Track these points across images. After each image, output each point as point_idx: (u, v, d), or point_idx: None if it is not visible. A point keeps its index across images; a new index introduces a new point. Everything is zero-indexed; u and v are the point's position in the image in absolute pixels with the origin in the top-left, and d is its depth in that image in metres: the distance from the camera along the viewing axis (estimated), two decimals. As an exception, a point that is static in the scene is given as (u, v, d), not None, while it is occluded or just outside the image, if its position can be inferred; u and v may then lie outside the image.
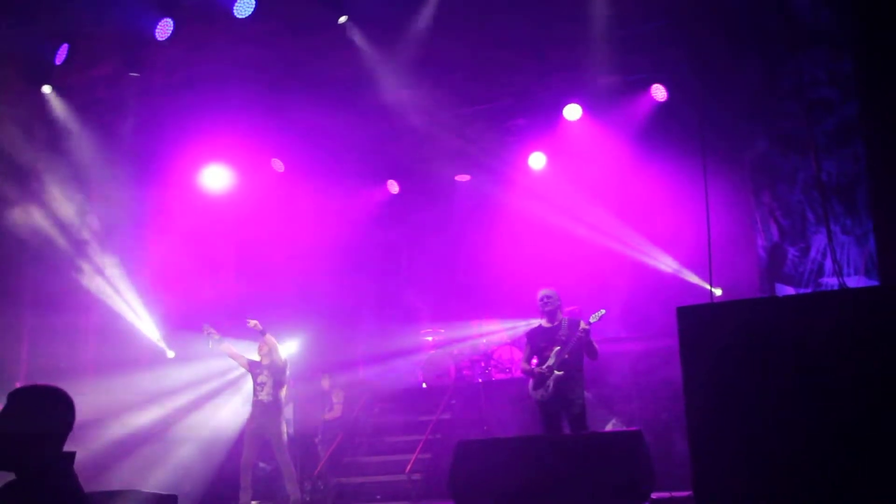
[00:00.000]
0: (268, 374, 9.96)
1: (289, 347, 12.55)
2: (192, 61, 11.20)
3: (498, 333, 12.23)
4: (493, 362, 12.04)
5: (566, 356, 8.26)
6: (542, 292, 8.56)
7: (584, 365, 8.40)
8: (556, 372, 8.22)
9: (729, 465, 5.71)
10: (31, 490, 3.27)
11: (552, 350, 8.36)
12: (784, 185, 9.23)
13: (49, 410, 3.44)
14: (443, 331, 12.79)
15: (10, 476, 3.37)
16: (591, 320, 8.21)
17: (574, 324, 8.41)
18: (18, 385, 10.37)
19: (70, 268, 11.98)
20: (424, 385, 12.10)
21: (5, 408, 3.40)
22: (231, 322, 11.01)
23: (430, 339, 12.86)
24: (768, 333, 5.74)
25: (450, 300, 13.48)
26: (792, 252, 9.24)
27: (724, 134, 9.54)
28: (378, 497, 10.80)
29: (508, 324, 12.14)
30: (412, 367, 12.79)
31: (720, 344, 5.84)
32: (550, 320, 8.54)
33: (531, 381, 8.47)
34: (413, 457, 10.75)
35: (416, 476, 10.61)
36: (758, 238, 9.59)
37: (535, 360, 8.64)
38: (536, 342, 8.61)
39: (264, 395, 9.89)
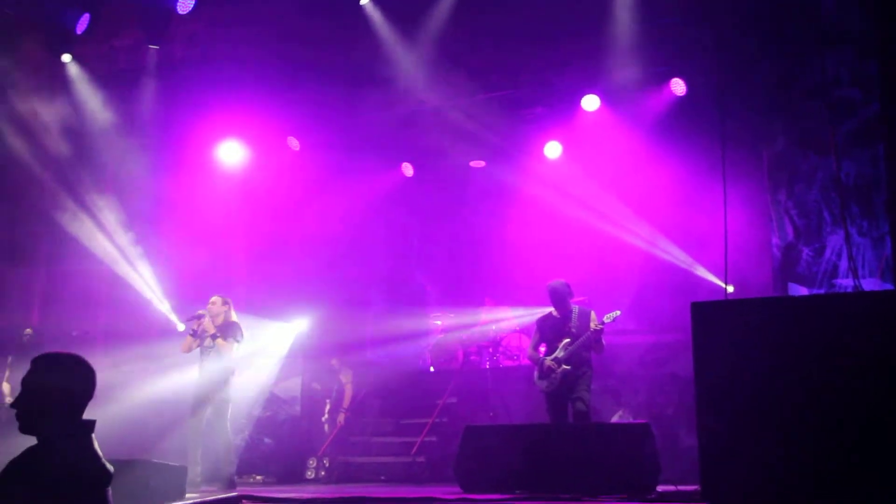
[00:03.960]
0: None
1: (298, 326, 12.64)
2: (212, 36, 11.26)
3: (507, 320, 12.24)
4: (501, 349, 12.08)
5: (575, 350, 8.28)
6: (551, 284, 8.55)
7: (592, 360, 8.42)
8: (564, 366, 8.24)
9: (737, 460, 5.74)
10: (52, 456, 3.31)
11: (561, 342, 8.38)
12: (801, 185, 9.22)
13: (71, 378, 3.48)
14: (452, 315, 12.81)
15: (32, 440, 3.42)
16: (605, 320, 8.21)
17: (585, 315, 8.41)
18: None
19: (82, 237, 12.04)
20: (432, 369, 12.16)
21: (28, 374, 3.44)
22: (238, 297, 11.08)
23: (438, 323, 12.89)
24: (782, 333, 5.76)
25: (460, 285, 13.50)
26: (806, 252, 9.24)
27: (742, 130, 9.52)
28: (383, 478, 10.87)
29: (518, 311, 12.14)
30: (420, 350, 12.84)
31: (733, 341, 5.86)
32: (560, 310, 8.55)
33: (537, 371, 8.49)
34: (419, 439, 10.82)
35: (422, 459, 10.68)
36: (772, 237, 9.59)
37: (542, 349, 8.67)
38: (546, 331, 8.62)
39: None
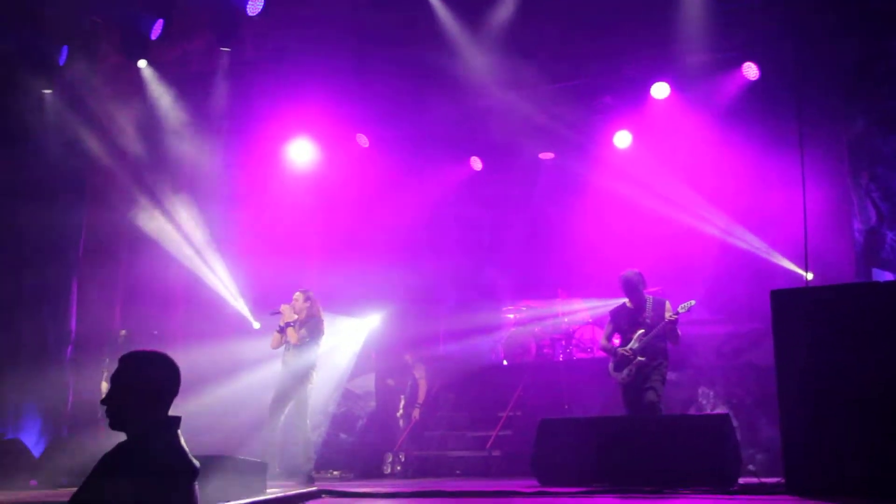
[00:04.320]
0: None
1: (371, 322, 12.74)
2: (281, 36, 11.40)
3: (580, 312, 12.15)
4: (574, 341, 11.99)
5: (650, 341, 8.17)
6: (624, 273, 8.45)
7: (667, 350, 8.30)
8: (639, 357, 8.14)
9: (821, 451, 5.61)
10: (142, 451, 3.39)
11: (635, 332, 8.28)
12: (884, 168, 8.95)
13: (157, 375, 3.57)
14: (524, 309, 12.77)
15: (122, 436, 3.51)
16: (680, 310, 8.09)
17: (659, 305, 8.30)
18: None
19: (159, 237, 12.32)
20: (505, 362, 12.13)
21: (116, 372, 3.53)
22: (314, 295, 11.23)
23: (511, 316, 12.86)
24: (867, 319, 5.61)
25: (532, 278, 13.43)
26: (891, 236, 8.97)
27: (820, 113, 9.27)
28: (458, 472, 10.90)
29: (590, 303, 12.05)
30: (493, 344, 12.82)
31: (815, 328, 5.74)
32: (634, 301, 8.44)
33: (612, 362, 8.40)
34: (494, 433, 10.81)
35: (497, 452, 10.68)
36: (854, 221, 9.33)
37: (616, 341, 8.57)
38: (620, 321, 8.53)
39: None
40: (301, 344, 9.04)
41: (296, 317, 9.17)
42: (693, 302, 8.15)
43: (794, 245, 10.00)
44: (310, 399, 9.14)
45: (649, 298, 8.39)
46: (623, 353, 8.23)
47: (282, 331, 9.25)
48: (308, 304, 9.25)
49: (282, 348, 9.27)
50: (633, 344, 8.21)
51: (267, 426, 9.14)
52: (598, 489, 6.90)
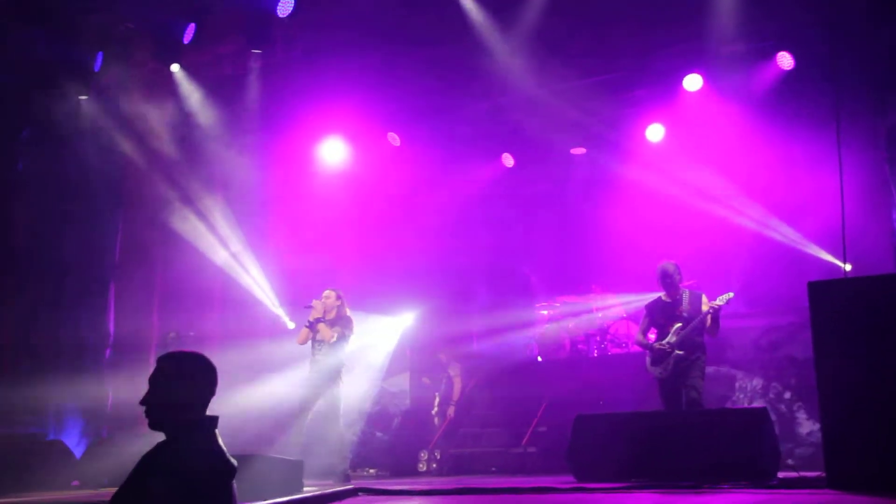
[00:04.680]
0: None
1: (406, 321, 12.77)
2: (311, 36, 11.45)
3: (614, 308, 12.07)
4: (608, 337, 11.93)
5: (688, 334, 8.10)
6: (661, 265, 8.37)
7: (705, 345, 8.22)
8: (678, 351, 8.07)
9: (863, 444, 5.53)
10: (180, 450, 3.43)
11: (672, 326, 8.20)
12: (923, 156, 8.80)
13: (196, 375, 3.60)
14: (558, 305, 12.72)
15: (162, 437, 3.55)
16: (719, 303, 7.99)
17: (696, 298, 8.22)
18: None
19: (194, 238, 12.44)
20: (539, 359, 12.10)
21: (155, 372, 3.57)
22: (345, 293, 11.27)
23: (544, 313, 12.81)
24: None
25: (565, 274, 13.38)
26: (930, 226, 8.82)
27: (856, 102, 9.14)
28: (493, 469, 10.89)
29: (624, 298, 11.96)
30: (527, 340, 12.78)
31: (857, 320, 5.66)
32: (671, 294, 8.36)
33: (649, 357, 8.33)
34: (529, 430, 10.78)
35: (533, 449, 10.64)
36: (892, 211, 9.19)
37: (652, 336, 8.51)
38: (656, 316, 8.45)
39: None
40: (334, 343, 9.05)
41: (322, 314, 9.16)
42: (731, 294, 8.05)
43: (832, 236, 9.88)
44: (342, 397, 9.13)
45: (685, 292, 8.31)
46: (660, 348, 8.16)
47: (311, 326, 9.26)
48: (339, 303, 9.25)
49: (309, 346, 9.25)
50: (671, 338, 8.13)
51: (295, 426, 9.08)
52: (635, 484, 6.86)
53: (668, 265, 8.32)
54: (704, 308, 8.06)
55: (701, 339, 8.15)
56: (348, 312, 9.27)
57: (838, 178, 7.21)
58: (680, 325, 8.13)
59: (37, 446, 10.48)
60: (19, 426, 11.04)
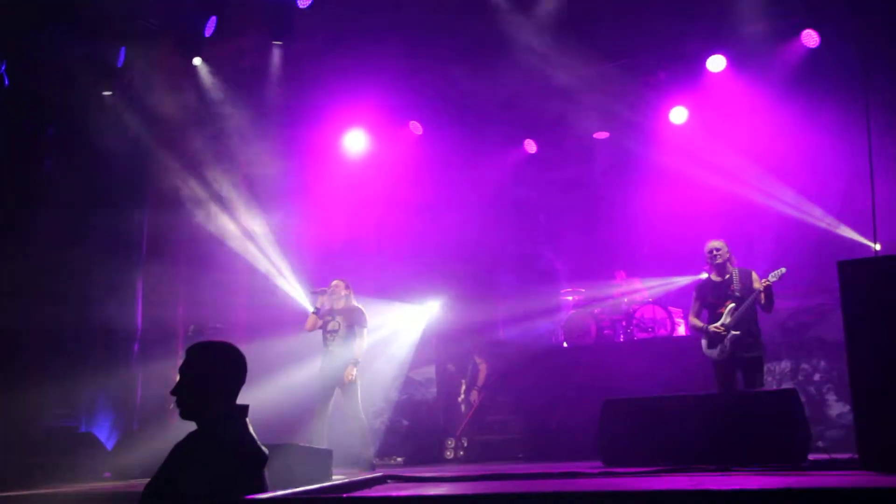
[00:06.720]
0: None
1: (431, 309, 12.78)
2: (332, 27, 11.44)
3: (640, 292, 11.98)
4: (634, 321, 11.85)
5: (743, 312, 7.97)
6: (710, 244, 8.21)
7: (760, 330, 8.08)
8: (733, 332, 7.98)
9: (896, 425, 5.46)
10: (212, 439, 3.45)
11: (725, 306, 8.07)
12: (952, 134, 8.66)
13: (225, 365, 3.62)
14: (583, 290, 12.66)
15: (192, 427, 3.57)
16: (771, 279, 7.85)
17: (746, 276, 8.06)
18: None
19: (218, 230, 12.50)
20: (565, 345, 12.05)
21: (184, 364, 3.59)
22: (370, 283, 11.29)
23: (570, 298, 12.75)
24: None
25: (589, 259, 13.30)
26: (961, 204, 8.69)
27: (885, 79, 9.01)
28: (520, 455, 10.88)
29: (650, 282, 11.89)
30: (553, 326, 12.75)
31: (886, 300, 5.56)
32: (720, 273, 8.21)
33: (704, 339, 8.18)
34: (556, 416, 10.75)
35: (559, 435, 10.61)
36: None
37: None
38: (706, 296, 8.29)
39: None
40: (348, 333, 9.07)
41: (328, 302, 9.19)
42: (784, 270, 7.85)
43: (861, 216, 9.76)
44: (359, 385, 9.14)
45: (735, 270, 8.16)
46: (715, 330, 8.06)
47: (318, 313, 9.28)
48: (348, 293, 9.27)
49: (320, 336, 9.25)
50: (725, 319, 8.00)
51: (317, 417, 9.12)
52: (664, 468, 6.81)
53: (717, 244, 8.18)
54: (756, 286, 7.95)
55: (755, 317, 8.02)
56: (355, 303, 9.28)
57: (867, 156, 7.11)
58: (733, 304, 8.00)
59: (69, 439, 10.60)
60: (52, 419, 11.18)
